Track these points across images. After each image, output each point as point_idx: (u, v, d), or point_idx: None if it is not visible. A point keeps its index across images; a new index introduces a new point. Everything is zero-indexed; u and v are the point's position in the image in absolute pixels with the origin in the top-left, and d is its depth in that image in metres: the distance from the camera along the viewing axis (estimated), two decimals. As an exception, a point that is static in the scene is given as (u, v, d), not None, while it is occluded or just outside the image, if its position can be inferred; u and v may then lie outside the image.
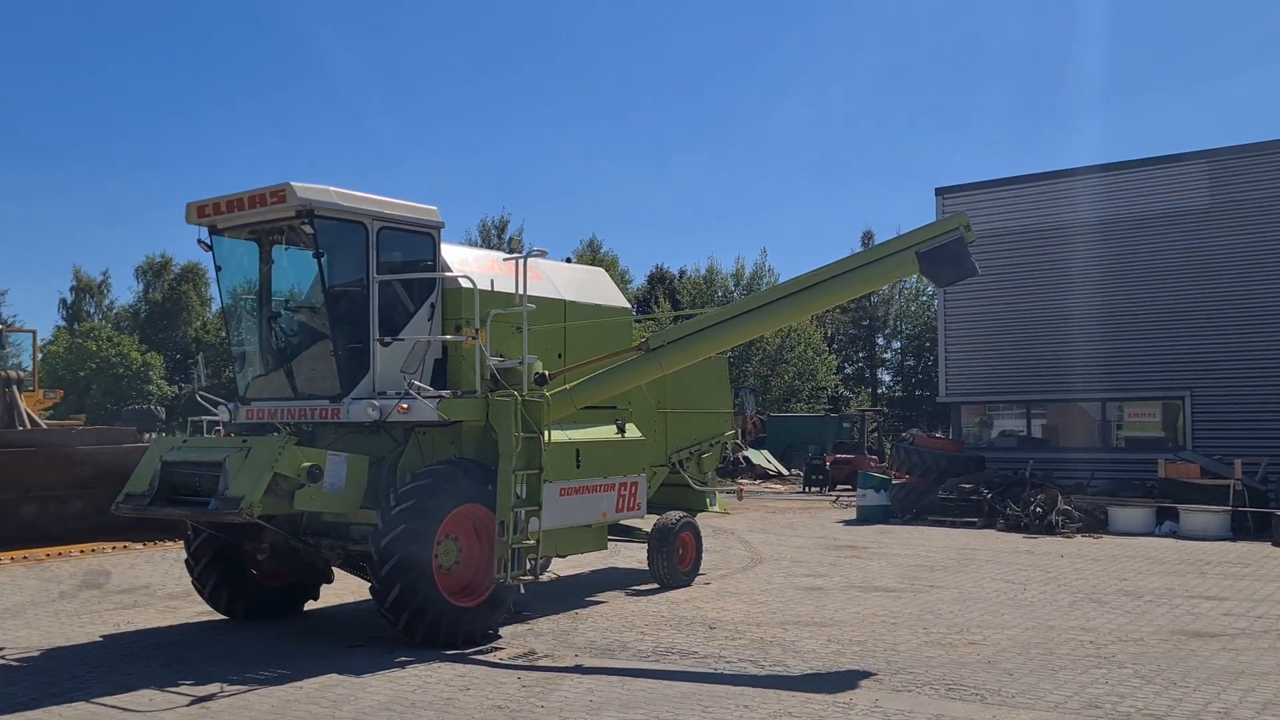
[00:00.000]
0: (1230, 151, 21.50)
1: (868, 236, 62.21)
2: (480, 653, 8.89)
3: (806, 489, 31.08)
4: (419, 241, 10.20)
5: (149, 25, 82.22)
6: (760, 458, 35.40)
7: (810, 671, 8.08)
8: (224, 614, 10.44)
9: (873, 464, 31.80)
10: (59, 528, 16.08)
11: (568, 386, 10.26)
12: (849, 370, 63.00)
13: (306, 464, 8.83)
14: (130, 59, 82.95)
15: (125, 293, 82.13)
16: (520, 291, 10.01)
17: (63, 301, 79.48)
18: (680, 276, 63.13)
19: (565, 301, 11.47)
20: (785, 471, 35.64)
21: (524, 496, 9.58)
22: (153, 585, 12.74)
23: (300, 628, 10.17)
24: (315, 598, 10.98)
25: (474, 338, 9.70)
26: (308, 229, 9.29)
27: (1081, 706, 6.96)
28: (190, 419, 12.36)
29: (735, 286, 57.73)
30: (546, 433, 9.87)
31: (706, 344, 10.29)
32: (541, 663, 8.52)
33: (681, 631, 9.70)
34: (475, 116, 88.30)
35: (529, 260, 10.48)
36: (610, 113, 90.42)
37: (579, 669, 8.23)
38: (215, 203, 9.77)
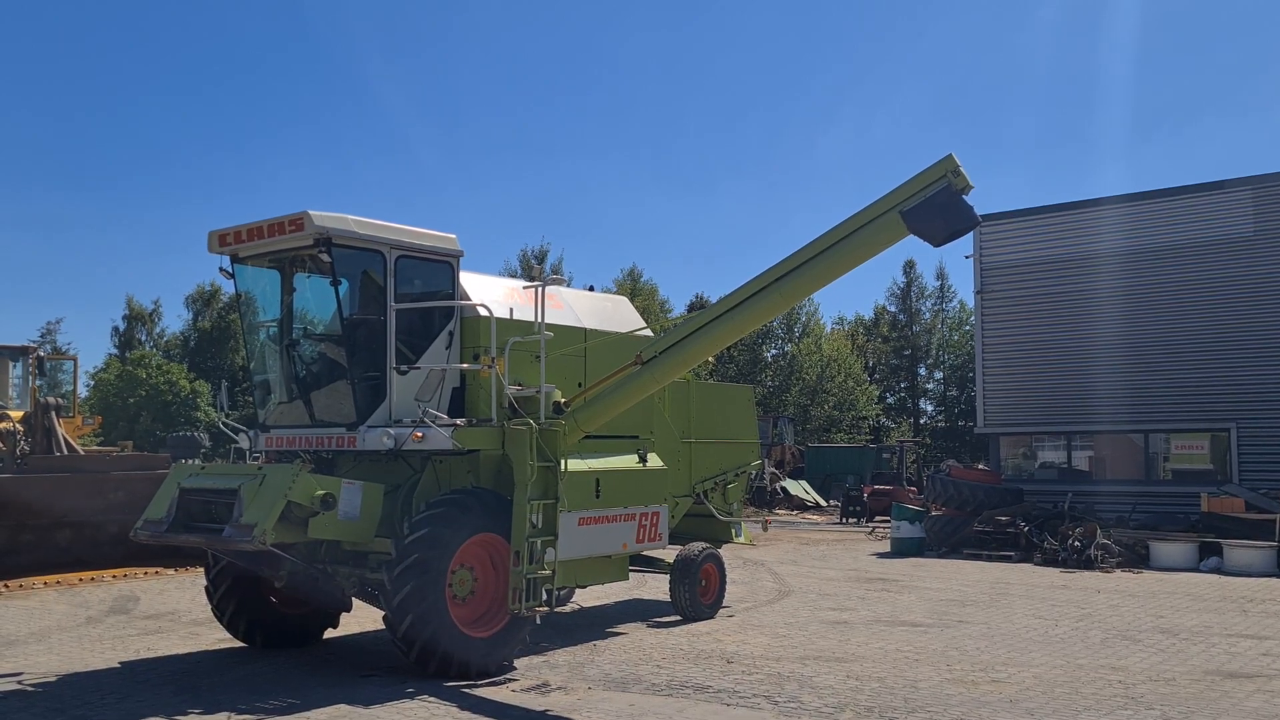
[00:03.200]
0: (1277, 178, 21.02)
1: (909, 265, 61.77)
2: (493, 684, 8.79)
3: (844, 520, 30.67)
4: (437, 270, 10.21)
5: (199, 57, 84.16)
6: (798, 488, 35.07)
7: (824, 708, 7.87)
8: (242, 641, 10.44)
9: (911, 495, 31.37)
10: (93, 553, 16.22)
11: (571, 410, 10.16)
12: (890, 400, 62.38)
13: (320, 492, 8.82)
14: (181, 92, 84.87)
15: (176, 321, 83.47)
16: (538, 319, 10.00)
17: (115, 329, 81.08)
18: (720, 305, 63.03)
19: (586, 329, 11.41)
20: (823, 502, 35.24)
21: (540, 526, 9.50)
22: (179, 611, 12.80)
23: (317, 656, 10.13)
24: (335, 625, 10.95)
25: (491, 366, 9.68)
26: (325, 257, 9.33)
27: (1102, 750, 6.71)
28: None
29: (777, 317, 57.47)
30: (563, 462, 9.81)
31: (699, 346, 9.56)
32: (553, 695, 8.40)
33: (698, 665, 9.53)
34: (518, 146, 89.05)
35: (549, 288, 10.46)
36: (654, 143, 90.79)
37: (588, 708, 8.09)
38: (236, 231, 9.87)
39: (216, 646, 10.58)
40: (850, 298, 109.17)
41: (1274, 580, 15.95)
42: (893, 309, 63.37)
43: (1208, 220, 21.62)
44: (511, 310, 10.43)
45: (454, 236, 10.30)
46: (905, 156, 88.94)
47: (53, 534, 15.95)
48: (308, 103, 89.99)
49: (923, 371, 62.82)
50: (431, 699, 8.22)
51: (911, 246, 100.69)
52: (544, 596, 9.55)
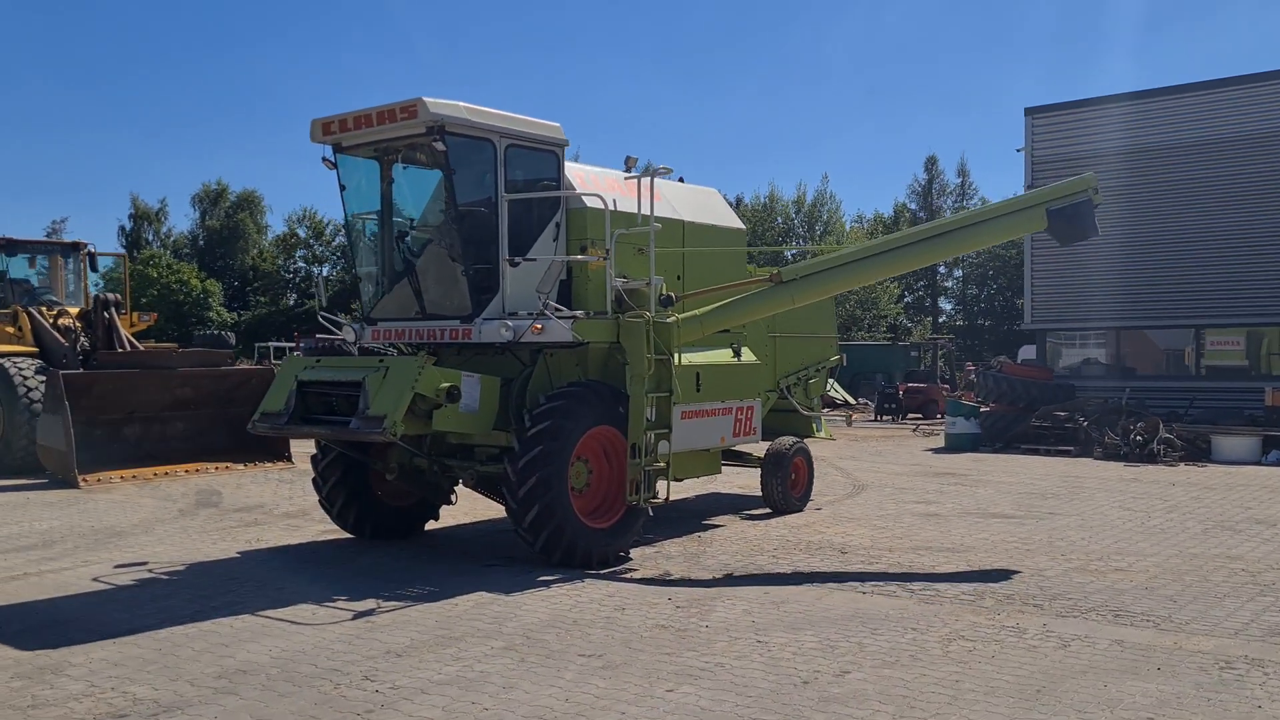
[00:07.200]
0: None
1: (931, 162, 60.99)
2: (616, 574, 8.86)
3: (878, 417, 30.86)
4: (543, 160, 9.98)
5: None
6: (829, 387, 35.14)
7: (963, 595, 7.96)
8: (350, 533, 10.52)
9: (945, 392, 31.49)
10: (162, 449, 16.33)
11: (698, 312, 10.10)
12: (909, 299, 62.22)
13: (445, 384, 8.78)
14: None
15: (183, 220, 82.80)
16: (648, 212, 9.81)
17: (121, 229, 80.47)
18: (738, 204, 62.41)
19: (684, 222, 11.24)
20: (853, 400, 35.37)
21: (654, 419, 9.49)
22: (266, 505, 12.91)
23: (426, 547, 10.21)
24: (436, 518, 11.04)
25: (606, 258, 9.54)
26: (439, 146, 9.10)
27: (1265, 634, 6.77)
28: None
29: (796, 214, 56.94)
30: (677, 355, 9.75)
31: (837, 281, 10.67)
32: (681, 585, 8.46)
33: (814, 555, 9.63)
34: (525, 44, 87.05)
35: (648, 180, 10.24)
36: (661, 40, 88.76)
37: (728, 595, 8.16)
38: (341, 119, 9.60)
39: (321, 538, 10.67)
40: (870, 195, 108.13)
41: (1339, 474, 16.08)
42: (913, 206, 62.75)
43: (1271, 110, 21.18)
44: (615, 201, 10.23)
45: (559, 125, 10.04)
46: (915, 51, 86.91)
47: (121, 429, 16.02)
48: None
49: (942, 269, 62.51)
50: (569, 585, 8.29)
51: (934, 142, 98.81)
52: (657, 489, 9.61)
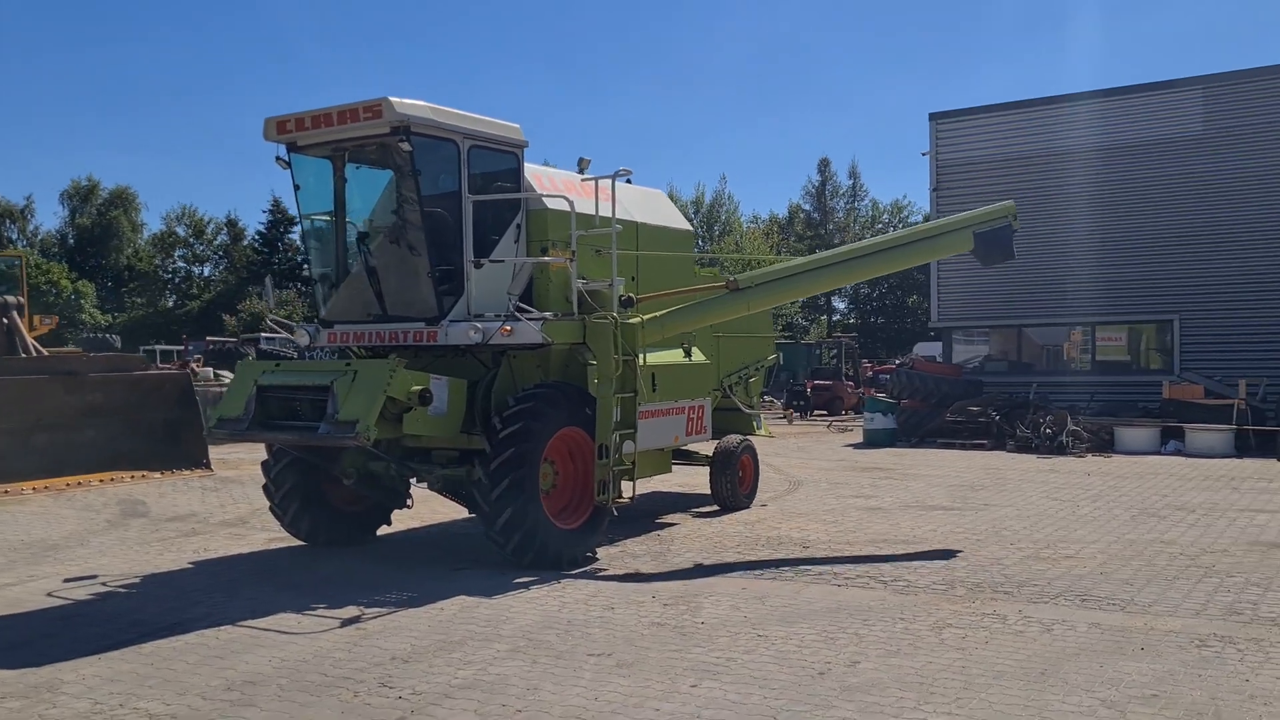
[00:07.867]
0: (1226, 78, 21.85)
1: (824, 164, 62.41)
2: (591, 574, 8.89)
3: (786, 413, 31.45)
4: (504, 160, 9.94)
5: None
6: (734, 384, 35.67)
7: (934, 585, 8.25)
8: (303, 540, 10.28)
9: (850, 390, 32.33)
10: (72, 457, 15.61)
11: (660, 314, 10.21)
12: (804, 298, 63.56)
13: (417, 387, 8.68)
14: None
15: (50, 218, 78.91)
16: (605, 213, 9.88)
17: (-18, 226, 76.33)
18: (636, 203, 62.76)
19: (637, 223, 11.33)
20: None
21: (619, 420, 9.55)
22: (199, 514, 12.49)
23: (385, 552, 10.06)
24: (389, 523, 10.87)
25: (571, 260, 9.57)
26: (405, 146, 8.97)
27: (1224, 613, 7.23)
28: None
29: (695, 214, 57.55)
30: (642, 356, 9.84)
31: (789, 290, 11.39)
32: (659, 582, 8.54)
33: (778, 551, 9.82)
34: (410, 44, 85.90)
35: (603, 182, 10.30)
36: (548, 39, 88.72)
37: (708, 591, 8.28)
38: (298, 118, 9.38)
39: (271, 546, 10.41)
40: (765, 195, 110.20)
41: (1234, 460, 17.15)
42: (807, 207, 64.10)
43: (1159, 119, 22.40)
44: (573, 203, 10.25)
45: (519, 126, 10.01)
46: (800, 54, 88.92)
47: (29, 438, 15.26)
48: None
49: (834, 269, 63.91)
50: (547, 587, 8.29)
51: (828, 145, 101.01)
52: (621, 489, 9.68)
